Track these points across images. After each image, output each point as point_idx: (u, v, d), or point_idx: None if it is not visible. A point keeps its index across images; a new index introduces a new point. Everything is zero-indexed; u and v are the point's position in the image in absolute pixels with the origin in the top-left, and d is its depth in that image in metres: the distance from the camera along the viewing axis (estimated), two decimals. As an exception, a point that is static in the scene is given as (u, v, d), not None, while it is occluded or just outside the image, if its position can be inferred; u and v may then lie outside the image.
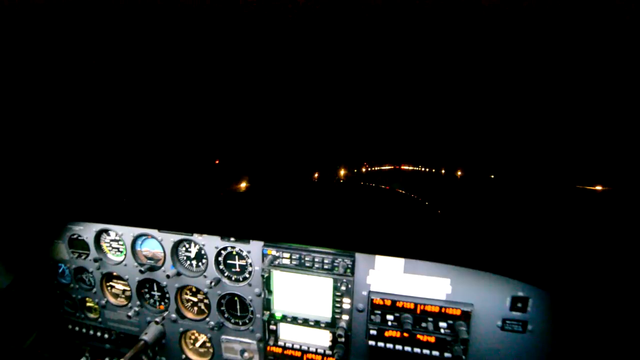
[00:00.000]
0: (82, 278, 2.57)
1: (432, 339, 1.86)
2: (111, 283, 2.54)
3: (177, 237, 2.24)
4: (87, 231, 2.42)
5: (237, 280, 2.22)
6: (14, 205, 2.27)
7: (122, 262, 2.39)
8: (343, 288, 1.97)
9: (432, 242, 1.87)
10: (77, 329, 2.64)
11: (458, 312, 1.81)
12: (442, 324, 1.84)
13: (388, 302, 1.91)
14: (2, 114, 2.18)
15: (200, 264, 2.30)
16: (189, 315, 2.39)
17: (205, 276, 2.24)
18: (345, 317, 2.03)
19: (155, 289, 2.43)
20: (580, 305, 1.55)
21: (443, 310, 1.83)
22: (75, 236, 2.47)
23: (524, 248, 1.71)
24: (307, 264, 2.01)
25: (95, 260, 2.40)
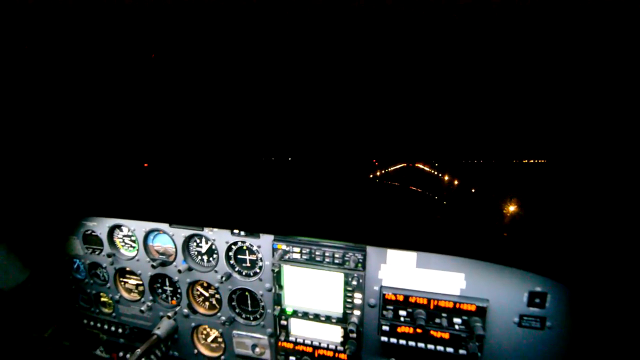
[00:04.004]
0: (96, 273, 2.61)
1: (446, 336, 1.82)
2: (124, 278, 2.58)
3: (188, 232, 2.25)
4: (100, 227, 2.46)
5: (247, 275, 2.22)
6: (29, 202, 2.32)
7: (134, 257, 2.42)
8: (354, 283, 1.95)
9: (445, 235, 1.83)
10: (92, 323, 2.69)
11: (473, 308, 1.76)
12: (457, 320, 1.80)
13: (400, 298, 1.88)
14: (17, 114, 2.24)
15: (211, 259, 2.30)
16: (201, 310, 2.40)
17: (216, 271, 2.25)
18: (357, 312, 2.00)
19: (167, 284, 2.45)
20: (602, 301, 1.49)
21: (457, 305, 1.79)
22: (89, 232, 2.51)
23: (541, 241, 1.65)
24: (318, 259, 2.00)
25: (109, 256, 2.44)
